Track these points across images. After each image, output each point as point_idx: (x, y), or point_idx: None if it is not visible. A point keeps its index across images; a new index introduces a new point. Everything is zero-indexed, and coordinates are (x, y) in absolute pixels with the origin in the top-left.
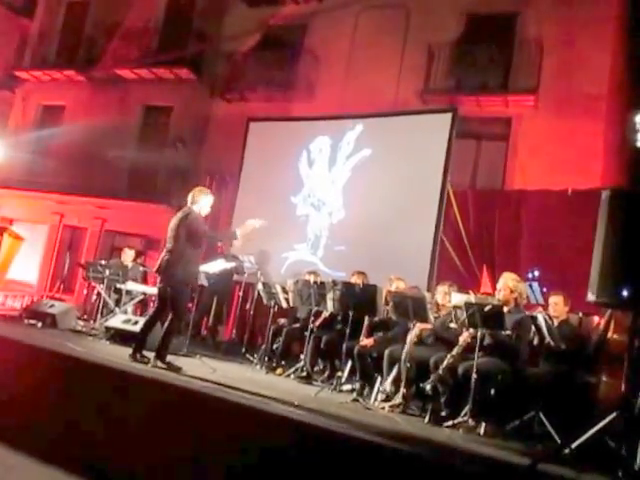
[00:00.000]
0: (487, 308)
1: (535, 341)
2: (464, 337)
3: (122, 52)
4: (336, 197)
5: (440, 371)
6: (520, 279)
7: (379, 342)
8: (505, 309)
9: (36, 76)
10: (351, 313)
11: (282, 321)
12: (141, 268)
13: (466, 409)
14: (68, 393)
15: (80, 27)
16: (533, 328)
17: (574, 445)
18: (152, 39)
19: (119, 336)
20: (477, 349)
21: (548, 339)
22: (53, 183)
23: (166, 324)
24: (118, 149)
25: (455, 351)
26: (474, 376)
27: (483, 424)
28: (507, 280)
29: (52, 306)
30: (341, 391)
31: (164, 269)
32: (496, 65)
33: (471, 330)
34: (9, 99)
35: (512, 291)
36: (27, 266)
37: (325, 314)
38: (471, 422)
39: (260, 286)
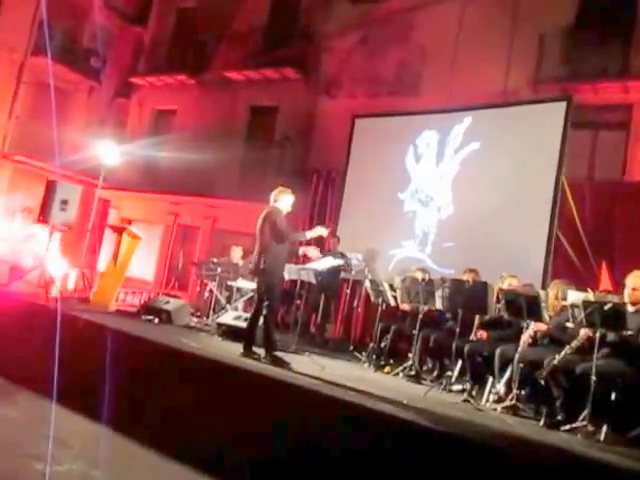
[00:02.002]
0: (607, 307)
1: None
2: (585, 331)
3: (230, 54)
4: (444, 192)
5: (555, 362)
6: None
7: (490, 341)
8: (632, 309)
9: (150, 82)
10: (460, 311)
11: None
12: (250, 265)
13: (584, 413)
14: (182, 386)
15: (190, 32)
16: None
17: None
18: (258, 40)
19: (230, 332)
20: (596, 349)
21: None
22: (168, 184)
23: (262, 320)
24: (227, 149)
25: (574, 344)
26: (593, 378)
27: (604, 429)
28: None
29: (168, 303)
30: (451, 391)
31: (256, 268)
32: (614, 48)
33: None
34: (125, 105)
35: None
36: (144, 264)
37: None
38: (590, 427)
39: (367, 283)
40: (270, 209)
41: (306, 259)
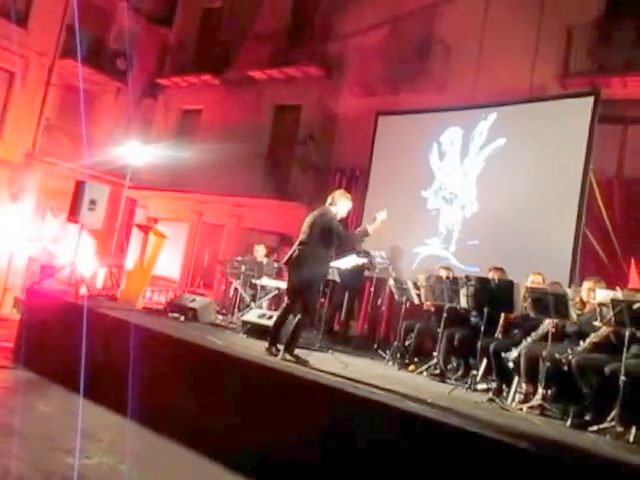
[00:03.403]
0: (636, 306)
1: None
2: (605, 329)
3: (253, 54)
4: (469, 190)
5: (580, 348)
6: None
7: (516, 340)
8: None
9: (175, 82)
10: (486, 309)
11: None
12: (275, 264)
13: (613, 414)
14: (207, 383)
15: (214, 33)
16: None
17: None
18: (281, 39)
19: (255, 330)
20: (625, 349)
21: None
22: (193, 183)
23: (296, 319)
24: (252, 148)
25: (594, 336)
26: (622, 378)
27: (633, 431)
28: None
29: (193, 300)
30: (476, 390)
31: (294, 264)
32: None
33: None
34: (152, 106)
35: None
36: (170, 262)
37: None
38: (619, 428)
39: (392, 282)
40: (324, 212)
41: None
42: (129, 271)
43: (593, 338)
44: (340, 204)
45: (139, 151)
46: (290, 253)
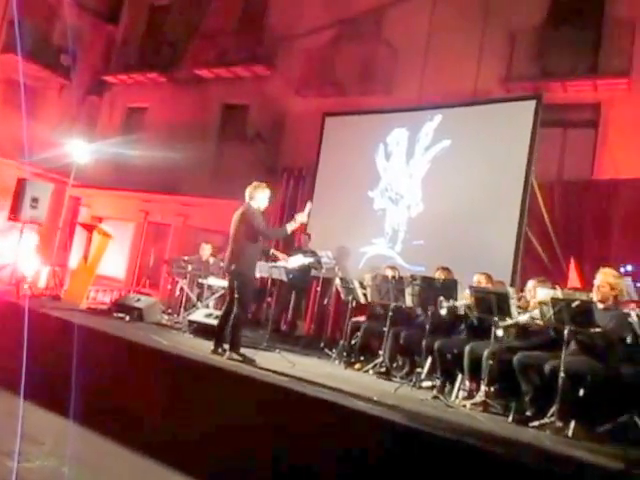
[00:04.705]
0: (575, 304)
1: (629, 339)
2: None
3: (201, 52)
4: (414, 190)
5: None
6: (620, 275)
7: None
8: (601, 306)
9: (121, 80)
10: (431, 308)
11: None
12: (221, 264)
13: (553, 409)
14: (152, 383)
15: (161, 31)
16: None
17: None
18: (229, 38)
19: (201, 330)
20: (564, 347)
21: None
22: (139, 182)
23: (231, 316)
24: (199, 147)
25: (528, 314)
26: (562, 375)
27: (571, 425)
28: (607, 277)
29: (139, 300)
30: (421, 387)
31: (229, 267)
32: (584, 47)
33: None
34: (97, 103)
35: (613, 288)
36: (116, 262)
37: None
38: (559, 423)
39: (338, 281)
40: (246, 208)
41: (276, 259)
42: (73, 270)
43: (531, 313)
44: (258, 197)
45: (83, 149)
46: (225, 258)
